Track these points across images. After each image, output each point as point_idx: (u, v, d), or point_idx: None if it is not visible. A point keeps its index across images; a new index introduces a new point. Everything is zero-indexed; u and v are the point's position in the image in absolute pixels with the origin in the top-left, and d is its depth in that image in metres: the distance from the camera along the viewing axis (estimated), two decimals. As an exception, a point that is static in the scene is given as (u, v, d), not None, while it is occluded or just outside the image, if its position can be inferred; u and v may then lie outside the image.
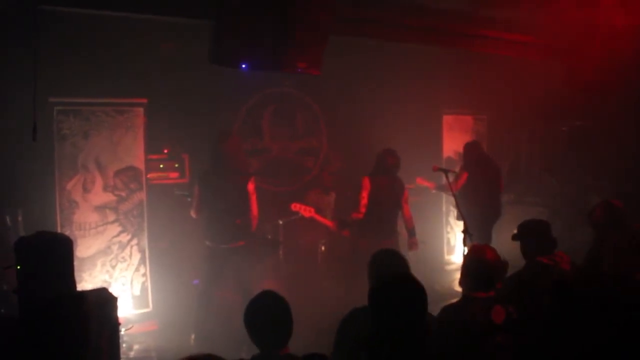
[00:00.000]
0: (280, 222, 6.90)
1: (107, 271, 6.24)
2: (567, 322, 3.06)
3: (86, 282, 6.03)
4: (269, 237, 6.86)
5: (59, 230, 5.82)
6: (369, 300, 2.81)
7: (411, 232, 6.60)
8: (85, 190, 6.13)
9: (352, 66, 7.39)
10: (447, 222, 9.06)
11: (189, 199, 6.10)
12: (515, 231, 4.56)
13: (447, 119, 9.06)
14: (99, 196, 6.20)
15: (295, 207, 6.74)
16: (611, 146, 8.11)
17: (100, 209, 6.21)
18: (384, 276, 3.00)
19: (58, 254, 3.81)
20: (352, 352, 3.24)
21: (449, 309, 3.56)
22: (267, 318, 2.94)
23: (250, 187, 5.91)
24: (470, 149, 7.63)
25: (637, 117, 7.63)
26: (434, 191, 7.68)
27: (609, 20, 6.63)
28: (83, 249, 6.09)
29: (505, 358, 3.29)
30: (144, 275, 6.47)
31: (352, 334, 3.32)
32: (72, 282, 3.90)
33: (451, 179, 6.24)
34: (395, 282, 2.86)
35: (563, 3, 6.18)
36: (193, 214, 5.98)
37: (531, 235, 4.41)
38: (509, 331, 3.35)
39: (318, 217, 6.78)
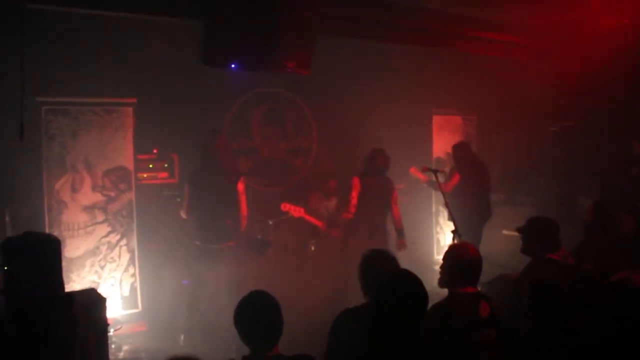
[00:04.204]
0: (270, 222, 6.88)
1: (96, 272, 6.21)
2: (550, 321, 3.09)
3: (75, 282, 6.00)
4: (259, 237, 6.85)
5: (47, 231, 5.79)
6: (375, 295, 2.83)
7: (400, 233, 6.62)
8: (74, 190, 6.10)
9: (342, 66, 7.39)
10: (437, 223, 9.09)
11: (179, 199, 6.08)
12: (520, 225, 4.58)
13: (437, 120, 9.09)
14: (88, 196, 6.17)
15: (285, 207, 6.74)
16: (600, 147, 8.16)
17: (89, 209, 6.18)
18: (391, 273, 3.05)
19: (46, 255, 3.78)
20: (344, 352, 3.25)
21: (437, 307, 3.57)
22: (256, 318, 2.93)
23: (240, 187, 5.90)
24: (460, 150, 7.64)
25: (626, 117, 7.68)
26: (425, 185, 7.64)
27: (596, 20, 6.67)
28: (71, 250, 6.05)
29: (491, 352, 3.31)
30: (133, 275, 6.44)
31: (345, 334, 3.34)
32: (61, 283, 3.87)
33: (441, 179, 6.24)
34: (401, 278, 2.91)
35: (550, 4, 6.22)
36: (183, 215, 5.96)
37: (540, 232, 4.44)
38: (493, 326, 3.39)
39: (308, 217, 6.78)
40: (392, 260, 3.65)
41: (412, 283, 2.83)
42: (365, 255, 3.67)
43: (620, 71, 6.92)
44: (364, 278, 3.57)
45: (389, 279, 2.92)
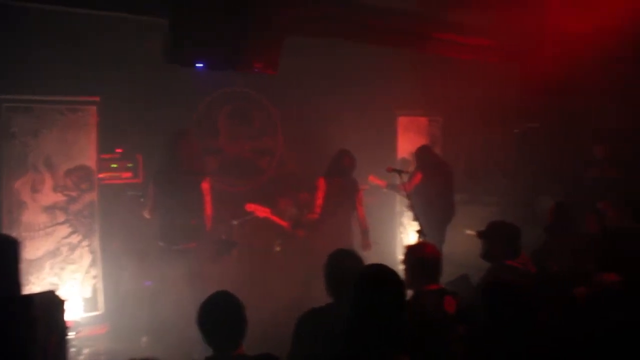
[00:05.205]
0: (235, 223, 6.83)
1: (56, 273, 6.09)
2: (507, 323, 3.13)
3: (34, 285, 5.88)
4: (224, 237, 6.80)
5: (5, 231, 5.65)
6: (354, 288, 2.79)
7: (365, 233, 6.65)
8: (34, 190, 5.97)
9: (309, 67, 7.39)
10: (401, 223, 9.15)
11: (142, 199, 6.01)
12: (479, 229, 4.58)
13: (402, 121, 9.16)
14: (49, 196, 6.05)
15: (250, 207, 6.71)
16: (562, 148, 8.32)
17: (50, 209, 6.06)
18: (369, 266, 3.03)
19: (4, 256, 3.69)
20: (309, 352, 3.25)
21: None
22: (220, 318, 2.92)
23: (205, 187, 5.87)
24: (422, 152, 7.77)
25: (589, 119, 7.83)
26: (385, 190, 7.74)
27: (559, 25, 6.80)
28: (31, 251, 5.93)
29: (462, 347, 3.36)
30: (95, 277, 6.34)
31: (309, 334, 3.33)
32: (19, 285, 3.78)
33: (405, 179, 6.30)
34: (380, 270, 2.87)
35: (514, 8, 6.31)
36: (146, 215, 5.90)
37: (501, 237, 4.41)
38: (462, 321, 3.45)
39: (273, 217, 6.76)
40: (358, 260, 3.67)
41: (389, 277, 2.81)
42: (330, 255, 3.67)
43: (584, 75, 7.05)
44: (329, 278, 3.57)
45: (367, 274, 2.89)
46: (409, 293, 3.69)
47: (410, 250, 3.87)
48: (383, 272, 2.85)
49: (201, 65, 5.69)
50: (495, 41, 7.60)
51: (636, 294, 3.59)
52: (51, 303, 3.98)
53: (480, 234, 4.52)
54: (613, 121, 7.48)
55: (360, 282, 2.81)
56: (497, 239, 4.43)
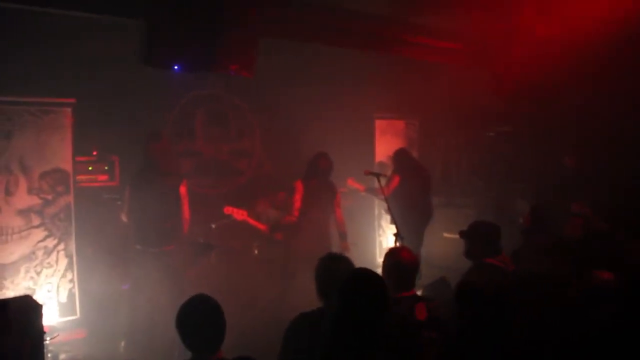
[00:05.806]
0: (213, 226, 6.81)
1: (32, 278, 6.01)
2: (478, 323, 3.16)
3: (8, 289, 5.79)
4: (201, 240, 6.78)
5: (-21, 235, 5.58)
6: (339, 291, 2.85)
7: (343, 236, 6.67)
8: (8, 193, 5.88)
9: (286, 69, 7.40)
10: (379, 225, 9.20)
11: (119, 202, 5.96)
12: (462, 229, 4.66)
13: (379, 124, 9.21)
14: (23, 199, 5.96)
15: (228, 210, 6.69)
16: (535, 151, 8.42)
17: (25, 212, 5.97)
18: (353, 269, 3.13)
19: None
20: (299, 356, 3.26)
21: None
22: (199, 322, 2.91)
23: (182, 189, 5.84)
24: (400, 155, 7.81)
25: (561, 123, 7.93)
26: (363, 194, 7.78)
27: (530, 30, 6.90)
28: (5, 255, 5.83)
29: (433, 353, 3.38)
30: (71, 281, 6.26)
31: (299, 338, 3.35)
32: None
33: (383, 183, 6.34)
34: (364, 274, 2.95)
35: (483, 11, 6.39)
36: (124, 218, 5.86)
37: (481, 237, 4.50)
38: (433, 327, 3.45)
39: (250, 221, 6.75)
40: (349, 264, 3.69)
41: (370, 281, 2.88)
42: (321, 259, 3.69)
43: (555, 77, 7.14)
44: (319, 281, 3.58)
45: (349, 277, 2.95)
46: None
47: (388, 254, 3.91)
48: (365, 275, 2.93)
49: (177, 67, 5.67)
50: (465, 44, 7.68)
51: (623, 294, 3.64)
52: (27, 308, 3.94)
53: (462, 234, 4.61)
54: (583, 126, 7.59)
55: (342, 285, 2.86)
56: (476, 238, 4.52)
